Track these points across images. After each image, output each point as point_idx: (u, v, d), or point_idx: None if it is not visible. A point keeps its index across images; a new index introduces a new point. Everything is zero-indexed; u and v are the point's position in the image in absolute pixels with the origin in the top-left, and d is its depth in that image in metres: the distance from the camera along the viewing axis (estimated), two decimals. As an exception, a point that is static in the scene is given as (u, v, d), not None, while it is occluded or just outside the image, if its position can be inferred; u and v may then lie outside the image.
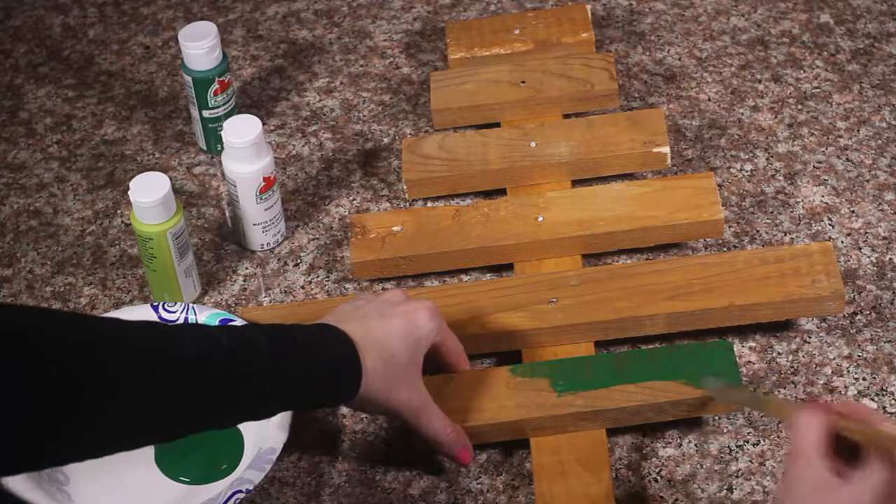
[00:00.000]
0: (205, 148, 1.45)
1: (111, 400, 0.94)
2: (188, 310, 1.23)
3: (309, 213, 1.38)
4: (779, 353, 1.22)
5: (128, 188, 1.26)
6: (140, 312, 1.23)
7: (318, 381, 1.07)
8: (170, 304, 1.24)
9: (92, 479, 1.16)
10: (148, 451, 1.18)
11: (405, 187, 1.36)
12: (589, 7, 1.50)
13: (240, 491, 1.10)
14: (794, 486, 0.90)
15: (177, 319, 1.23)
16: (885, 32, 1.51)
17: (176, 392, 0.98)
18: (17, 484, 1.11)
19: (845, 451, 0.91)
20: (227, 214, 1.39)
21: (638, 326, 1.22)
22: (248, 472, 1.11)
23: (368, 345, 1.09)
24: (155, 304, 1.24)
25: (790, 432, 0.91)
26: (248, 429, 1.18)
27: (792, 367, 1.21)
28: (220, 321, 1.22)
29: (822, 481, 0.89)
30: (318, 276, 1.32)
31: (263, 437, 1.14)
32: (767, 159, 1.38)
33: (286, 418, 1.15)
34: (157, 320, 1.22)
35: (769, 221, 1.32)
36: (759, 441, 1.16)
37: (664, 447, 1.16)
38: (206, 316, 1.23)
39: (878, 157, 1.38)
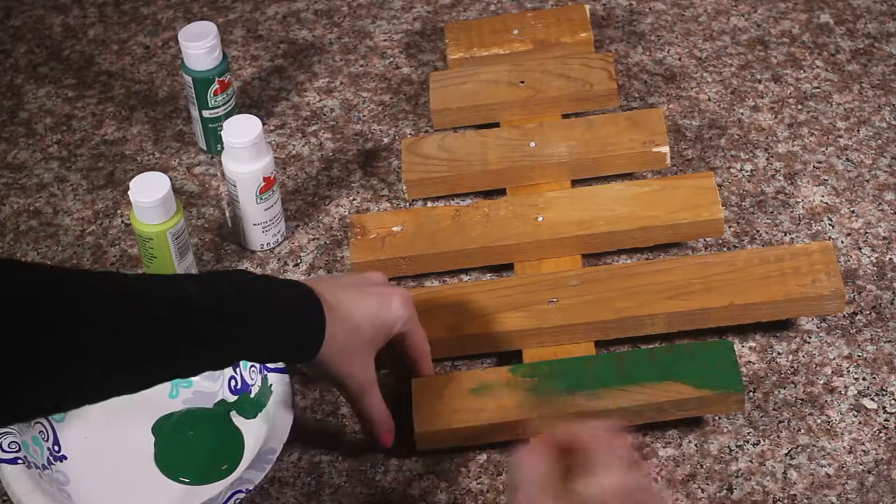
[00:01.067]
0: (205, 148, 1.45)
1: (84, 339, 0.95)
2: (188, 310, 1.23)
3: (309, 213, 1.38)
4: (779, 353, 1.22)
5: (128, 188, 1.26)
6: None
7: (283, 335, 1.08)
8: (170, 304, 1.24)
9: (92, 480, 1.16)
10: (148, 452, 1.18)
11: (405, 187, 1.36)
12: (588, 7, 1.50)
13: (240, 491, 1.10)
14: None
15: (177, 319, 1.23)
16: (885, 32, 1.50)
17: (148, 333, 0.99)
18: (18, 484, 1.11)
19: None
20: (227, 214, 1.39)
21: (638, 326, 1.22)
22: (248, 472, 1.11)
23: (336, 310, 1.09)
24: (155, 304, 1.24)
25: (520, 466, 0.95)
26: (248, 429, 1.18)
27: (792, 367, 1.21)
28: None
29: None
30: (318, 276, 1.32)
31: (263, 437, 1.14)
32: (767, 159, 1.38)
33: (287, 419, 1.15)
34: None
35: (769, 221, 1.32)
36: (759, 441, 1.16)
37: (664, 447, 1.16)
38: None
39: (878, 157, 1.38)
